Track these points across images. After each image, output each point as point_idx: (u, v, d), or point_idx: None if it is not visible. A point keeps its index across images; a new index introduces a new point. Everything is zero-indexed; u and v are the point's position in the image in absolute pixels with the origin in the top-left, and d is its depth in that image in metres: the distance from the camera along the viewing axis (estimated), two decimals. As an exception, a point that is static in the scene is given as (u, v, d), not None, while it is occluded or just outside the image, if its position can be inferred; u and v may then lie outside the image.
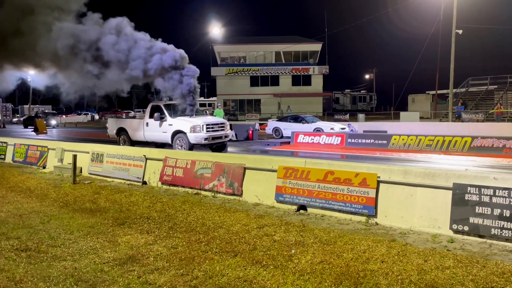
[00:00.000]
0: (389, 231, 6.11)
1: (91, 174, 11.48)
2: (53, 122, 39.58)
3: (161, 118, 14.62)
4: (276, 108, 51.16)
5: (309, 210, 7.28)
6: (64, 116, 53.76)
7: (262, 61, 54.66)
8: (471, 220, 5.56)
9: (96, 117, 61.09)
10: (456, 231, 5.71)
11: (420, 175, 6.29)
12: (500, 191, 5.41)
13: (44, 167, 13.05)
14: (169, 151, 10.59)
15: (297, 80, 54.62)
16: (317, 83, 54.68)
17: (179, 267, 4.70)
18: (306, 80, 54.59)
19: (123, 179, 10.59)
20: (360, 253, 5.07)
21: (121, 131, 16.34)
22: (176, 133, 14.33)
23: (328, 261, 4.80)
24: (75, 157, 10.50)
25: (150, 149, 10.92)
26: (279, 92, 53.22)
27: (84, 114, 60.13)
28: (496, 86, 37.12)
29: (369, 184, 6.60)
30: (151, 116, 14.92)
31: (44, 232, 6.18)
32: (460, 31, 27.29)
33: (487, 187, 5.51)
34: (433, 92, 42.08)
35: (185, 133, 14.05)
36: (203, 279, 4.37)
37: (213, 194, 8.59)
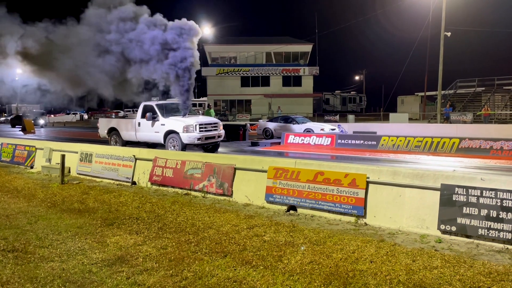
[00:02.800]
0: (378, 231, 6.16)
1: (79, 174, 11.37)
2: (41, 121, 39.17)
3: (153, 118, 14.47)
4: (266, 109, 51.15)
5: (299, 210, 7.30)
6: (52, 115, 53.14)
7: (252, 62, 54.67)
8: (459, 220, 5.63)
9: (85, 116, 60.49)
10: (444, 232, 5.77)
11: (409, 175, 6.35)
12: (487, 192, 5.48)
13: (31, 167, 12.89)
14: (159, 151, 10.53)
15: (287, 81, 54.71)
16: (308, 84, 54.84)
17: (169, 268, 4.68)
18: (296, 80, 54.72)
19: (112, 179, 10.50)
20: (350, 253, 5.10)
21: (113, 131, 16.17)
22: (169, 133, 14.20)
23: (318, 261, 4.82)
24: (63, 157, 10.39)
25: (140, 149, 10.85)
26: (269, 93, 53.25)
27: (73, 113, 59.48)
28: (483, 88, 37.66)
29: (359, 185, 6.64)
30: (143, 116, 14.79)
31: (32, 233, 6.10)
32: (449, 34, 27.59)
33: (474, 188, 5.58)
34: (422, 93, 42.49)
35: (178, 133, 13.92)
36: (193, 280, 4.36)
37: (203, 195, 8.56)
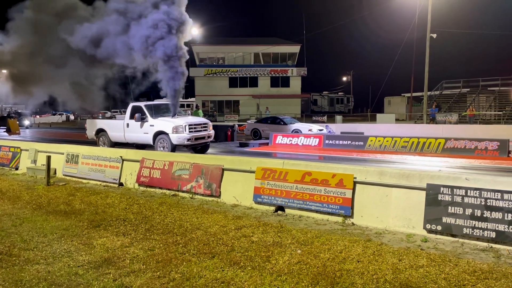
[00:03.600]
0: (365, 231, 6.21)
1: (65, 175, 11.23)
2: (27, 122, 38.52)
3: (142, 119, 14.32)
4: (255, 109, 51.18)
5: (287, 211, 7.32)
6: (38, 116, 52.38)
7: (241, 62, 54.65)
8: (444, 219, 5.71)
9: (72, 117, 59.73)
10: (430, 231, 5.84)
11: (395, 176, 6.42)
12: (472, 191, 5.57)
13: (16, 169, 12.69)
14: (146, 152, 10.47)
15: (275, 82, 54.82)
16: (296, 85, 55.03)
17: (156, 270, 4.66)
18: (284, 81, 54.87)
19: (99, 180, 10.40)
20: (337, 253, 5.14)
21: (101, 132, 15.96)
22: (158, 134, 14.04)
23: (305, 262, 4.85)
24: (49, 158, 10.25)
25: (127, 150, 10.76)
26: (257, 93, 53.29)
27: (59, 114, 58.72)
28: (468, 89, 38.26)
29: (346, 185, 6.69)
30: (131, 117, 14.64)
31: (16, 235, 6.01)
32: (435, 35, 27.99)
33: (459, 188, 5.66)
34: (409, 94, 42.98)
35: (167, 134, 13.75)
36: (180, 281, 4.34)
37: (191, 196, 8.53)
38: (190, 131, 13.92)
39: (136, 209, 7.58)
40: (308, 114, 49.64)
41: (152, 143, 14.27)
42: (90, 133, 16.42)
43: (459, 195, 5.64)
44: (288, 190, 7.28)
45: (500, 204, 5.35)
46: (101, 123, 16.54)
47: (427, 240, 5.69)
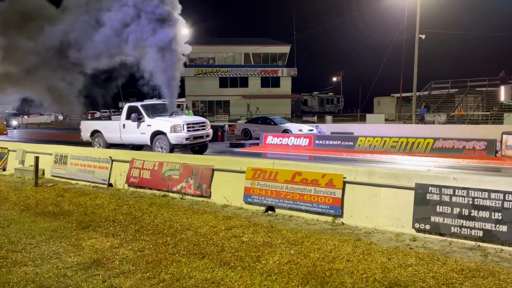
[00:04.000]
0: (355, 230, 6.25)
1: (54, 176, 11.12)
2: (14, 122, 38.09)
3: (139, 119, 14.00)
4: (245, 110, 51.16)
5: (277, 211, 7.34)
6: (26, 116, 51.68)
7: (231, 63, 54.61)
8: (432, 219, 5.77)
9: (60, 117, 59.06)
10: (419, 230, 5.90)
11: (384, 175, 6.47)
12: (459, 190, 5.64)
13: (4, 169, 12.53)
14: (136, 153, 10.41)
15: (266, 82, 54.87)
16: (286, 85, 55.14)
17: (146, 271, 4.63)
18: (275, 82, 54.94)
19: (88, 181, 10.31)
20: (327, 252, 5.16)
21: (96, 133, 15.65)
22: (156, 134, 13.74)
23: (296, 261, 4.86)
24: (37, 158, 10.14)
25: (116, 151, 10.69)
26: (248, 94, 53.28)
27: (48, 114, 58.01)
28: (456, 90, 38.71)
29: (336, 185, 6.72)
30: (127, 117, 14.34)
31: (4, 237, 5.93)
32: (423, 36, 28.25)
33: (447, 187, 5.73)
34: (398, 95, 43.34)
35: (165, 134, 13.45)
36: (170, 282, 4.33)
37: (181, 196, 8.50)
38: (188, 130, 13.62)
39: (125, 210, 7.53)
40: (299, 114, 49.80)
41: (149, 144, 13.98)
42: (85, 134, 16.10)
43: (447, 194, 5.70)
44: (278, 190, 7.29)
45: (487, 203, 5.42)
46: (96, 124, 16.23)
47: (416, 239, 5.75)
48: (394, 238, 5.86)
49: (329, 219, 6.72)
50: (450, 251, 5.29)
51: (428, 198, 5.83)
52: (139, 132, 14.14)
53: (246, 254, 5.11)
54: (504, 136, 14.37)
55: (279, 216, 7.14)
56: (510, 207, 5.27)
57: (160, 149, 13.54)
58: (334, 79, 79.85)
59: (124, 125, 14.58)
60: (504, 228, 5.29)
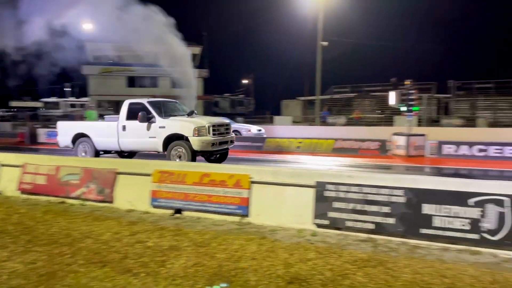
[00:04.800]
0: (261, 229, 6.42)
1: None
2: None
3: (148, 119, 11.48)
4: (156, 110, 49.71)
5: (185, 213, 7.25)
6: None
7: (140, 61, 52.68)
8: (330, 214, 6.17)
9: None
10: (319, 225, 6.27)
11: (288, 175, 6.75)
12: (353, 187, 6.10)
13: None
14: (29, 156, 9.52)
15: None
16: (197, 86, 54.80)
17: (38, 284, 4.27)
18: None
19: (-29, 189, 9.18)
20: (233, 252, 5.23)
21: (81, 137, 12.73)
22: (171, 138, 11.30)
23: (202, 263, 4.85)
24: None
25: (5, 154, 9.67)
26: (158, 94, 51.83)
27: None
28: (355, 94, 41.83)
29: (243, 185, 6.85)
30: (129, 117, 11.77)
31: None
32: (326, 43, 30.02)
33: (342, 184, 6.17)
34: (303, 98, 45.54)
35: (185, 138, 11.05)
36: (66, 295, 4.04)
37: (81, 202, 7.98)
38: (213, 134, 11.26)
39: (16, 219, 6.85)
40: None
41: (161, 150, 11.47)
42: (64, 139, 13.11)
43: (342, 191, 6.14)
44: (186, 193, 7.22)
45: (377, 198, 5.94)
46: (80, 126, 13.17)
47: (316, 234, 6.09)
48: (297, 234, 6.14)
49: (237, 219, 6.82)
50: (345, 244, 5.69)
51: (326, 195, 6.22)
52: (147, 135, 11.51)
53: (151, 260, 4.97)
54: (394, 136, 15.91)
55: (187, 218, 7.07)
56: (396, 201, 5.84)
57: (178, 159, 11.09)
58: (245, 81, 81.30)
59: (124, 127, 11.86)
60: (391, 220, 5.84)
